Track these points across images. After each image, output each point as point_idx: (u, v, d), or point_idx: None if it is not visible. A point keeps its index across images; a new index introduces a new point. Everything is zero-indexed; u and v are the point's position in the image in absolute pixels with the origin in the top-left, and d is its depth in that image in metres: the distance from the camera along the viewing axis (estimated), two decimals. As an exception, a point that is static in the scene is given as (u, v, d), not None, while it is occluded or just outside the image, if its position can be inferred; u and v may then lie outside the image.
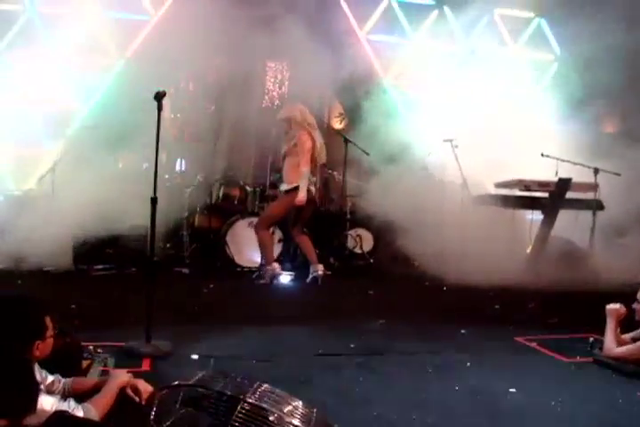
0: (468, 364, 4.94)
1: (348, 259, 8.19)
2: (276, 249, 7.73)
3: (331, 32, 9.13)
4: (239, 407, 2.27)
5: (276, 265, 7.25)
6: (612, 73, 8.98)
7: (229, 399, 2.30)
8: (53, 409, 2.96)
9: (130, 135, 7.42)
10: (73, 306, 5.77)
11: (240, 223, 7.87)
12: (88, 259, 7.12)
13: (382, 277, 7.77)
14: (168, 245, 7.83)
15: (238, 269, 7.65)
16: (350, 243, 8.45)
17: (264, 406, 2.30)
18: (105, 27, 9.14)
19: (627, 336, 5.16)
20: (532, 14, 10.93)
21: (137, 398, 3.31)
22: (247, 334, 5.48)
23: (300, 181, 7.03)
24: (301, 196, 7.00)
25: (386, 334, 5.68)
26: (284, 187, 7.23)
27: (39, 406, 2.91)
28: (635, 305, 5.06)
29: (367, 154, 8.02)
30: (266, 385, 2.42)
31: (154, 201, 4.91)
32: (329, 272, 7.41)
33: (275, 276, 7.19)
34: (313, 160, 7.14)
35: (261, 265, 7.42)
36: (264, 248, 7.25)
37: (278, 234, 7.78)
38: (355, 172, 8.16)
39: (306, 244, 7.35)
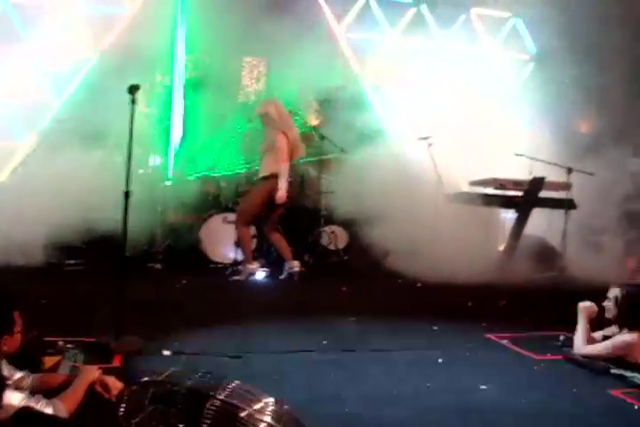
0: (440, 360, 4.96)
1: (322, 256, 8.19)
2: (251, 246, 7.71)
3: (308, 29, 9.09)
4: (209, 404, 2.26)
5: (255, 264, 7.26)
6: (587, 73, 9.05)
7: (199, 396, 2.29)
8: (21, 405, 2.93)
9: (103, 129, 7.36)
10: (44, 301, 5.73)
11: (214, 219, 7.84)
12: (60, 253, 7.05)
13: (356, 274, 7.78)
14: (141, 241, 7.76)
15: (212, 266, 7.62)
16: (324, 240, 8.44)
17: (234, 402, 2.28)
18: (80, 19, 9.04)
19: (597, 334, 5.21)
20: (508, 14, 10.98)
21: (106, 395, 3.29)
22: (219, 330, 5.46)
23: (279, 177, 7.05)
24: (282, 193, 7.01)
25: (358, 330, 5.68)
26: (259, 175, 7.24)
27: (6, 401, 2.89)
28: (605, 303, 5.11)
29: (343, 151, 8.03)
30: (236, 382, 2.40)
31: (127, 195, 4.88)
32: (303, 269, 7.40)
33: (251, 274, 7.19)
34: (290, 158, 7.15)
35: (236, 261, 7.40)
36: (244, 245, 7.23)
37: (252, 230, 7.75)
38: (330, 168, 8.15)
39: (280, 241, 7.35)
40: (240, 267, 7.28)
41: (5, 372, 3.11)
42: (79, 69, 9.06)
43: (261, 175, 7.24)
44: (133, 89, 4.88)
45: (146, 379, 2.49)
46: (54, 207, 6.84)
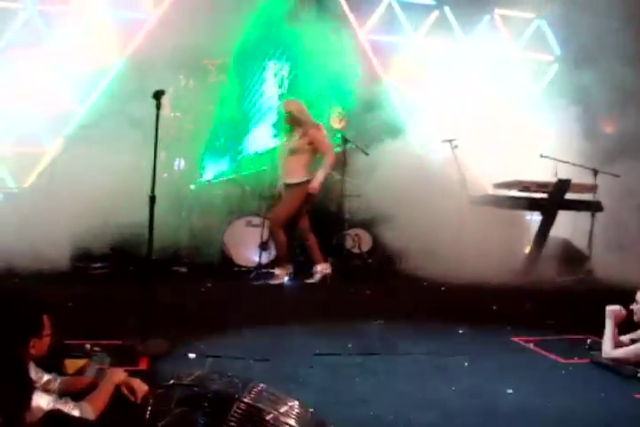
0: (466, 364, 4.94)
1: (347, 259, 8.17)
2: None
3: (331, 32, 9.10)
4: (235, 407, 2.26)
5: (289, 267, 7.28)
6: (612, 73, 8.97)
7: (225, 399, 2.29)
8: (49, 407, 2.95)
9: (128, 134, 7.41)
10: (70, 304, 5.77)
11: (238, 222, 7.85)
12: (86, 257, 7.10)
13: (380, 277, 7.75)
14: (166, 244, 7.79)
15: (236, 269, 7.63)
16: (349, 243, 8.43)
17: (259, 405, 2.29)
18: (104, 25, 9.12)
19: (625, 338, 5.16)
20: (532, 15, 10.91)
21: (132, 398, 3.31)
22: (245, 333, 5.48)
23: (321, 167, 7.12)
24: (316, 184, 7.06)
25: (384, 334, 5.67)
26: (292, 180, 7.21)
27: (35, 403, 2.91)
28: (633, 306, 5.06)
29: (366, 154, 8.01)
30: (262, 385, 2.41)
31: (152, 199, 4.93)
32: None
33: (326, 275, 7.27)
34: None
35: (260, 265, 7.42)
36: (282, 248, 7.24)
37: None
38: (354, 171, 8.12)
39: (314, 242, 7.34)
40: (276, 270, 7.26)
41: (33, 375, 3.14)
42: (104, 75, 9.14)
43: (293, 181, 7.18)
44: (159, 94, 4.92)
45: (171, 382, 2.50)
46: (80, 212, 6.89)
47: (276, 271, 7.22)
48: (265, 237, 7.53)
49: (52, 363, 3.52)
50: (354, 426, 3.62)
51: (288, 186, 7.22)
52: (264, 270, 7.43)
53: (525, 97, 10.15)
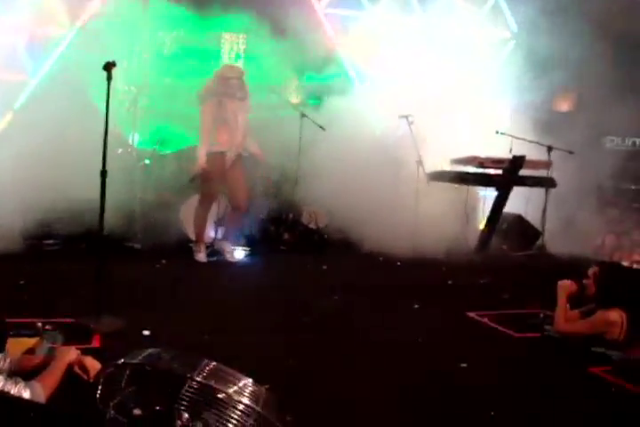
0: (420, 339, 4.98)
1: (303, 235, 8.17)
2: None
3: (288, 4, 8.99)
4: (186, 386, 2.24)
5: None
6: (568, 51, 9.03)
7: (177, 378, 2.27)
8: (-1, 386, 2.90)
9: (80, 108, 7.26)
10: (22, 282, 5.68)
11: (194, 198, 7.76)
12: (37, 234, 6.98)
13: (337, 253, 7.77)
14: (119, 220, 7.68)
15: (191, 245, 7.56)
16: (305, 219, 8.42)
17: (212, 384, 2.26)
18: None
19: (576, 312, 5.24)
20: (489, -9, 10.92)
21: (85, 376, 3.27)
22: (199, 310, 5.43)
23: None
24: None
25: (340, 309, 5.69)
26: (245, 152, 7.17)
27: (-17, 384, 2.86)
28: (585, 281, 5.14)
29: (323, 129, 7.98)
30: (214, 363, 2.38)
31: (103, 174, 4.84)
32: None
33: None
34: None
35: (216, 240, 7.38)
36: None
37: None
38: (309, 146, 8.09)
39: None
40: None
41: (-19, 355, 3.08)
42: (55, 46, 8.90)
43: (245, 154, 7.13)
44: (109, 66, 4.81)
45: (122, 361, 2.46)
46: (31, 187, 6.75)
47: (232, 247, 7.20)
48: (221, 213, 7.48)
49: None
50: (308, 403, 3.62)
51: (240, 157, 7.14)
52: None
53: (482, 73, 10.18)
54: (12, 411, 2.48)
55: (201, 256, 7.06)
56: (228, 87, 6.92)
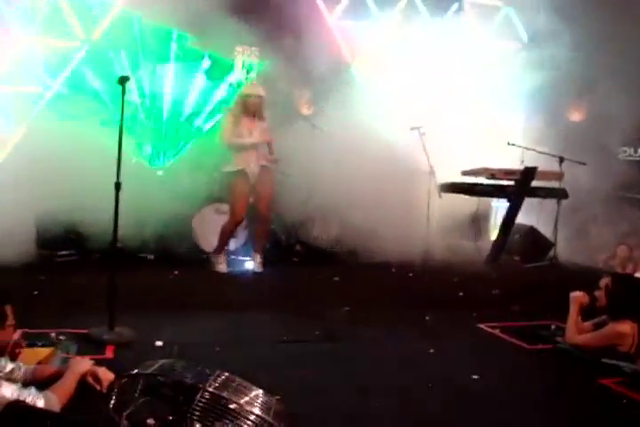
0: (432, 350, 4.99)
1: (315, 246, 8.18)
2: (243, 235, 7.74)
3: (299, 17, 9.04)
4: (199, 396, 2.27)
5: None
6: (578, 61, 9.04)
7: (189, 388, 2.30)
8: (14, 397, 2.93)
9: (95, 120, 7.33)
10: (35, 292, 5.72)
11: (207, 209, 7.81)
12: (51, 245, 7.03)
13: (348, 264, 7.78)
14: (133, 231, 7.72)
15: (204, 256, 7.59)
16: (317, 230, 8.43)
17: (224, 394, 2.29)
18: (70, 8, 8.95)
19: (588, 324, 5.24)
20: (500, 3, 10.95)
21: (97, 387, 3.30)
22: (212, 321, 5.47)
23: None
24: None
25: (351, 321, 5.70)
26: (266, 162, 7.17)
27: (-1, 393, 2.89)
28: (596, 293, 5.14)
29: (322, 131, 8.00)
30: (226, 374, 2.41)
31: (117, 186, 4.89)
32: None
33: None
34: None
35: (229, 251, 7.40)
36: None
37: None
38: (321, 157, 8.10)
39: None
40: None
41: (-3, 364, 3.12)
42: (70, 60, 8.97)
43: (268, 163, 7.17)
44: (123, 80, 4.87)
45: (136, 371, 2.49)
46: (45, 198, 6.81)
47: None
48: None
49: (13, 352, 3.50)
50: (319, 413, 3.63)
51: (265, 167, 7.17)
52: (232, 257, 7.41)
53: (493, 84, 10.19)
54: (29, 419, 2.51)
55: (222, 267, 7.08)
56: (246, 104, 7.00)
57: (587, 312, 5.29)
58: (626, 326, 4.83)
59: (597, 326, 5.15)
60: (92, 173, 6.53)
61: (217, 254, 7.16)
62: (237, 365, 3.69)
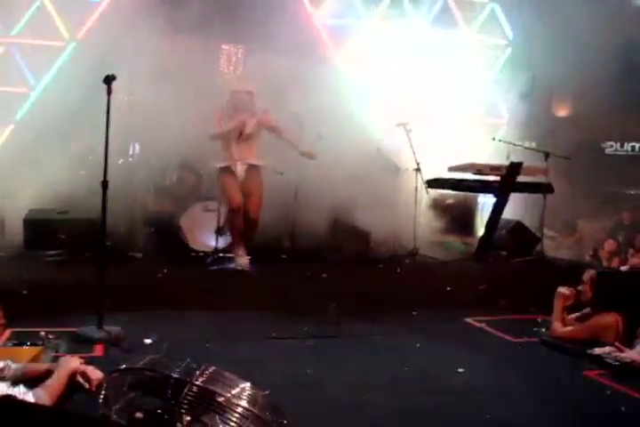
0: (418, 345, 5.03)
1: (303, 243, 8.19)
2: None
3: (286, 15, 9.05)
4: (186, 390, 2.29)
5: None
6: (564, 58, 9.10)
7: (177, 382, 2.32)
8: (3, 394, 2.94)
9: (81, 119, 7.32)
10: (25, 291, 5.72)
11: (194, 207, 7.82)
12: (40, 244, 7.03)
13: (336, 260, 7.80)
14: (121, 230, 7.73)
15: (192, 254, 7.60)
16: (305, 227, 8.43)
17: (211, 388, 2.32)
18: (55, 7, 8.94)
19: (572, 317, 5.30)
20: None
21: (87, 385, 3.31)
22: (201, 318, 5.50)
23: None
24: None
25: (340, 316, 5.73)
26: (260, 162, 7.16)
27: (-13, 391, 2.90)
28: (581, 286, 5.19)
29: (321, 137, 8.01)
30: (213, 367, 2.44)
31: (105, 185, 4.90)
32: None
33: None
34: None
35: (217, 249, 7.40)
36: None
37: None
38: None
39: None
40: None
41: (-16, 363, 3.13)
42: (55, 59, 8.96)
43: (261, 163, 7.16)
44: (109, 79, 4.87)
45: (124, 366, 2.52)
46: (33, 197, 6.82)
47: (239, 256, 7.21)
48: (222, 222, 7.52)
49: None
50: (307, 407, 3.67)
51: (254, 167, 7.17)
52: (221, 255, 7.43)
53: (479, 81, 10.25)
54: (19, 414, 2.52)
55: (243, 262, 7.04)
56: (235, 100, 7.00)
57: (572, 306, 5.35)
58: (609, 319, 4.89)
59: (581, 319, 5.22)
60: (81, 172, 6.55)
61: (235, 250, 7.16)
62: (227, 361, 3.72)
